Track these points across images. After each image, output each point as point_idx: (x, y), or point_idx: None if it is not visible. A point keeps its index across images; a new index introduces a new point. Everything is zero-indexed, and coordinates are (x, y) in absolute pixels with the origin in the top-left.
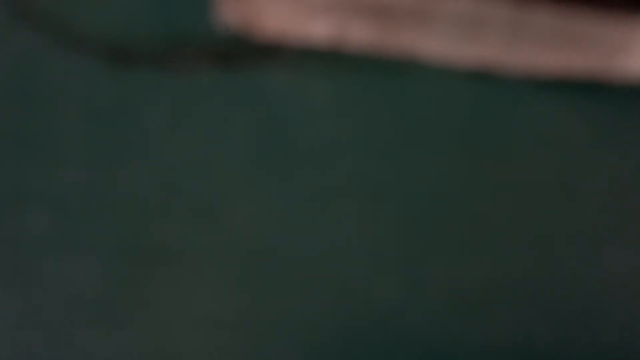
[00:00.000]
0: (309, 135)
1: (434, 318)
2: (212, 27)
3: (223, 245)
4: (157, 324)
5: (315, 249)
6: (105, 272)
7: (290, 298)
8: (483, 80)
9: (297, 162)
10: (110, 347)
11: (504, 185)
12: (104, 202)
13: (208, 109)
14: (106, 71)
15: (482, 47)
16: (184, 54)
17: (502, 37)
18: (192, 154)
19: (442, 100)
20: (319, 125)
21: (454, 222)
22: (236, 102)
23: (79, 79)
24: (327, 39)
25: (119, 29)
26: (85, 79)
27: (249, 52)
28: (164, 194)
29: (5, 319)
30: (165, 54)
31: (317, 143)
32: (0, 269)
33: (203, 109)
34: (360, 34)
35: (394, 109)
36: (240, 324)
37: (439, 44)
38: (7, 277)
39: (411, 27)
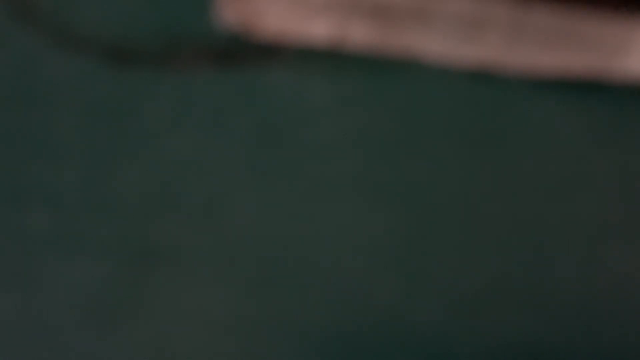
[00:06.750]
0: (309, 135)
1: (435, 318)
2: (212, 27)
3: (223, 246)
4: (157, 324)
5: (315, 249)
6: (105, 272)
7: (290, 298)
8: (483, 80)
9: (296, 162)
10: (110, 347)
11: (504, 185)
12: (104, 202)
13: (208, 108)
14: (106, 71)
15: (482, 47)
16: (184, 54)
17: (502, 37)
18: (192, 154)
19: (442, 100)
20: (319, 125)
21: (454, 222)
22: (236, 102)
23: (78, 79)
24: (327, 39)
25: (119, 29)
26: (85, 79)
27: (249, 52)
28: (164, 194)
29: (4, 319)
30: (165, 54)
31: (317, 143)
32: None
33: (203, 109)
34: (360, 34)
35: (394, 109)
36: (240, 324)
37: (439, 44)
38: (6, 277)
39: (411, 27)
